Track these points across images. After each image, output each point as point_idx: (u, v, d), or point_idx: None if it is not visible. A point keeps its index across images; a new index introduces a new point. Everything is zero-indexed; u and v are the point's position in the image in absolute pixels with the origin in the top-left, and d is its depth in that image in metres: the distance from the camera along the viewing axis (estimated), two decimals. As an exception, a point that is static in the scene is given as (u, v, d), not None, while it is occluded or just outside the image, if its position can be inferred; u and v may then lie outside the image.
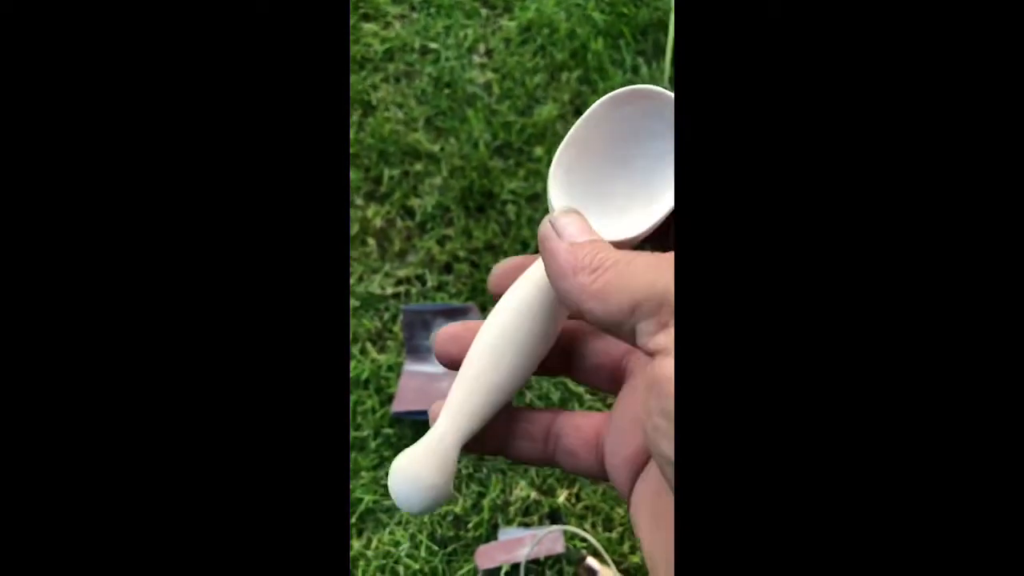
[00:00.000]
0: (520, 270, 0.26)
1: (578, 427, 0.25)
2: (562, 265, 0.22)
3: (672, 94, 0.24)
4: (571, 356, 0.27)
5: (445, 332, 0.25)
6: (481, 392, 0.24)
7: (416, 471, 0.23)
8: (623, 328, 0.21)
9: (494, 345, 0.24)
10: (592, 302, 0.21)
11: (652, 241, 0.25)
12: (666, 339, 0.19)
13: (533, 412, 0.26)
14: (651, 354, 0.20)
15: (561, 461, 0.25)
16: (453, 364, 0.25)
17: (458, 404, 0.24)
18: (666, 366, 0.19)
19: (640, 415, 0.24)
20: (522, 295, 0.25)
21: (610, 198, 0.25)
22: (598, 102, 0.25)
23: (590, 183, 0.25)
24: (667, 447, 0.19)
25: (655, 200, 0.25)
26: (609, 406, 0.27)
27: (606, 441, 0.25)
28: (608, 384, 0.26)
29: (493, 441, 0.26)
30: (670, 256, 0.21)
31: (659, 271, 0.20)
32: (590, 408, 0.93)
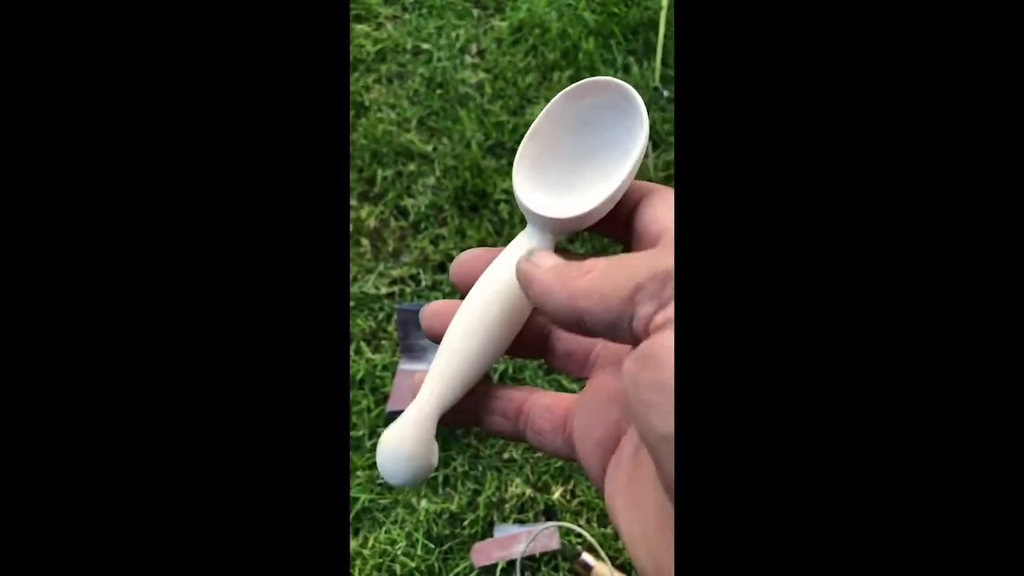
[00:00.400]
0: (479, 261, 0.27)
1: (547, 407, 0.26)
2: (547, 283, 0.22)
3: (628, 85, 0.25)
4: (546, 341, 0.28)
5: (430, 308, 0.27)
6: (458, 366, 0.25)
7: (398, 444, 0.24)
8: (623, 320, 0.20)
9: (470, 322, 0.26)
10: (588, 301, 0.21)
11: (614, 231, 0.26)
12: (664, 317, 0.19)
13: (507, 390, 0.27)
14: (648, 335, 0.19)
15: (530, 439, 0.26)
16: (436, 337, 0.26)
17: (437, 377, 0.25)
18: (665, 337, 0.19)
19: (620, 395, 0.24)
20: (496, 276, 0.26)
21: (573, 187, 0.26)
22: (557, 96, 0.27)
23: (554, 173, 0.27)
24: (660, 423, 0.18)
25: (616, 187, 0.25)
26: None
27: (574, 422, 0.25)
28: (579, 371, 0.27)
29: (471, 414, 0.27)
30: (664, 248, 0.21)
31: (657, 257, 0.20)
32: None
